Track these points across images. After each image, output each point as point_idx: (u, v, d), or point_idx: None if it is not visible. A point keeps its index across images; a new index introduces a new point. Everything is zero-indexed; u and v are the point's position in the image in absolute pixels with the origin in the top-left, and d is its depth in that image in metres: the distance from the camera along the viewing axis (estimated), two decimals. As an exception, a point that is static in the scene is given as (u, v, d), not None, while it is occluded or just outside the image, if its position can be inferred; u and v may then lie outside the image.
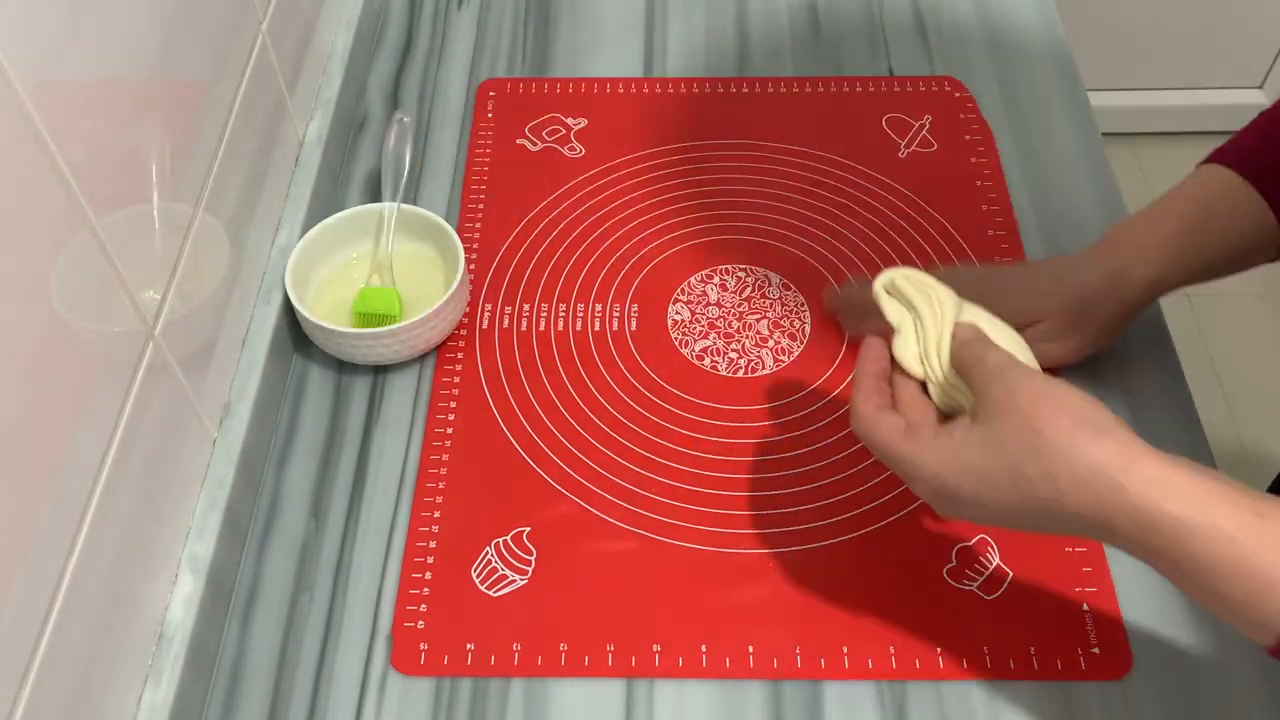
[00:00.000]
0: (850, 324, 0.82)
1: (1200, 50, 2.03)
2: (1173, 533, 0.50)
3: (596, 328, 0.84)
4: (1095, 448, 0.52)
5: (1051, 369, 0.72)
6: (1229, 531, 0.49)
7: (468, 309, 0.85)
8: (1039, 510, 0.54)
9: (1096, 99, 1.02)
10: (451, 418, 0.79)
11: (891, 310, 0.64)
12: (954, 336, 0.61)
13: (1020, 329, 0.65)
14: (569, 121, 0.97)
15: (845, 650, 0.69)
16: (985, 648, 0.69)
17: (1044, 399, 0.54)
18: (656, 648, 0.69)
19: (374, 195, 0.92)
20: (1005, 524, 0.57)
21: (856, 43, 1.03)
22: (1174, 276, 0.72)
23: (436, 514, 0.75)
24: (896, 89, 0.99)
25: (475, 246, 0.89)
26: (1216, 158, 0.73)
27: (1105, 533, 0.53)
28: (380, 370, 0.82)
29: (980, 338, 0.60)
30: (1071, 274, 0.73)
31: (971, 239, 0.88)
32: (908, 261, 0.87)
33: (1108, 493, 0.51)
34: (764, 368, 0.82)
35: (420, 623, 0.70)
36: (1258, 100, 2.09)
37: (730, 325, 0.84)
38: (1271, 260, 0.73)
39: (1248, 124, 0.74)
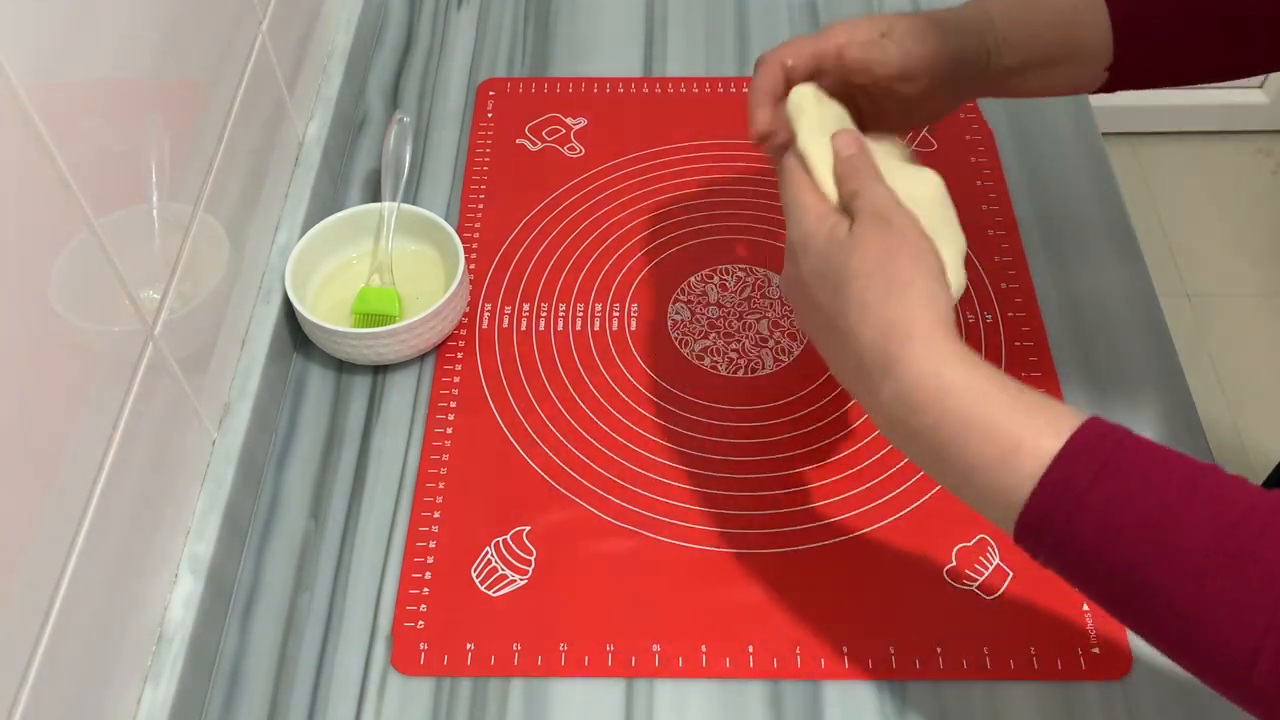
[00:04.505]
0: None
1: (1200, 50, 2.02)
2: (936, 389, 0.53)
3: (596, 328, 0.84)
4: (912, 306, 0.55)
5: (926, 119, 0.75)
6: (988, 390, 0.52)
7: (468, 309, 0.85)
8: (839, 325, 0.57)
9: (1096, 99, 1.02)
10: (451, 418, 0.79)
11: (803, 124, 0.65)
12: (836, 154, 0.62)
13: (898, 79, 0.67)
14: (569, 121, 0.97)
15: (845, 650, 0.69)
16: (985, 648, 0.69)
17: (909, 245, 0.57)
18: (656, 648, 0.69)
19: (374, 195, 0.92)
20: (807, 320, 0.60)
21: (856, 43, 1.03)
22: (1025, 78, 0.71)
23: (436, 514, 0.75)
24: (896, 89, 0.99)
25: (475, 246, 0.89)
26: None
27: (880, 376, 0.54)
28: (380, 370, 0.82)
29: (864, 168, 0.61)
30: (950, 40, 0.69)
31: (971, 239, 0.88)
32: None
33: (896, 344, 0.54)
34: (764, 368, 0.82)
35: (420, 623, 0.70)
36: (1258, 100, 2.09)
37: (730, 325, 0.84)
38: (1093, 90, 0.73)
39: None
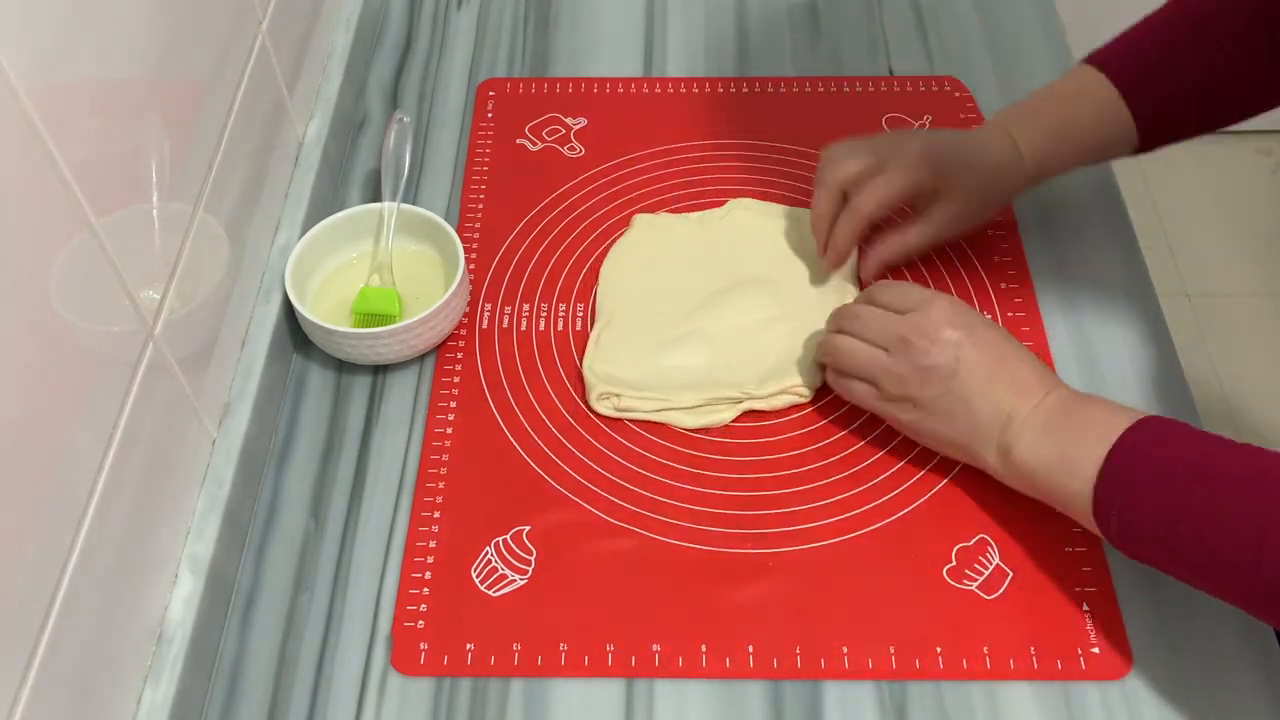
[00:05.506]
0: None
1: (1200, 50, 2.02)
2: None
3: (596, 328, 0.84)
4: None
5: (957, 234, 0.85)
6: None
7: (468, 309, 0.85)
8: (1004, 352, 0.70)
9: (1096, 99, 1.02)
10: (451, 417, 0.79)
11: None
12: None
13: (933, 195, 0.81)
14: (569, 121, 0.97)
15: (845, 650, 0.69)
16: (985, 648, 0.69)
17: None
18: (656, 648, 0.69)
19: (374, 195, 0.92)
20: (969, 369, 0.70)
21: (856, 43, 1.03)
22: (1047, 167, 0.83)
23: (436, 514, 0.75)
24: (896, 89, 0.99)
25: (475, 246, 0.89)
26: (1094, 59, 0.82)
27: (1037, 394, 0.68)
28: (380, 370, 0.82)
29: None
30: (978, 153, 0.81)
31: (971, 239, 0.88)
32: (909, 266, 0.87)
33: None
34: (764, 368, 0.82)
35: (420, 623, 0.70)
36: (1258, 100, 2.09)
37: (730, 325, 0.84)
38: (1127, 155, 0.83)
39: (1129, 28, 0.83)
